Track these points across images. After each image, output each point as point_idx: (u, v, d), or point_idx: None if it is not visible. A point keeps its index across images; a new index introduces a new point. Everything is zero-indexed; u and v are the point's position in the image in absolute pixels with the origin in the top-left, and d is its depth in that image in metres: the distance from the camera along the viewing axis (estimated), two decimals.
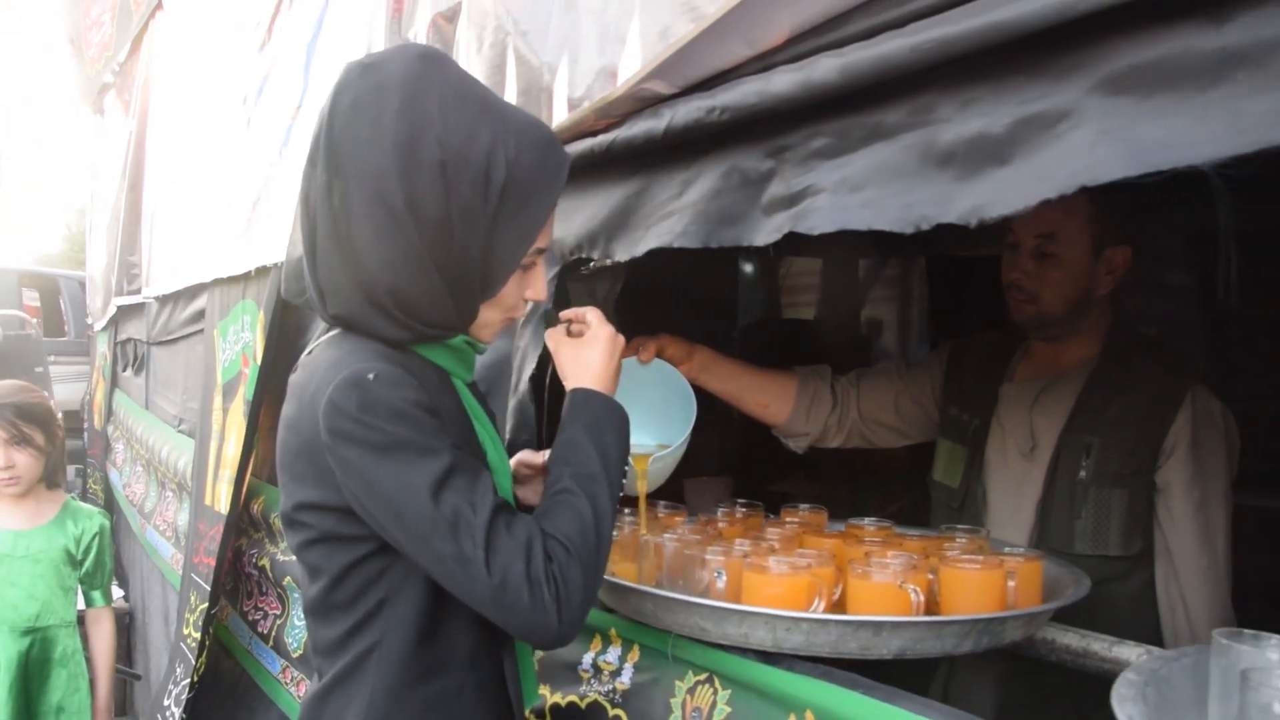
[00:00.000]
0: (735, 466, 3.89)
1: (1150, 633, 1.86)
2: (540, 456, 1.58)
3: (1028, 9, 0.98)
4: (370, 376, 1.23)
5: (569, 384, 1.49)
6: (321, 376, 1.27)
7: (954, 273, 4.47)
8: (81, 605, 3.14)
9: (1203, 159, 0.87)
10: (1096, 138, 0.95)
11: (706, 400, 1.90)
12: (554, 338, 1.54)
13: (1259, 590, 1.98)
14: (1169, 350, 2.11)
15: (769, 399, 2.15)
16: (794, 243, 1.24)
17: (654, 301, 4.12)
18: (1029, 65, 1.02)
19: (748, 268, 5.27)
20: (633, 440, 1.51)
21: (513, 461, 1.58)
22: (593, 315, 1.54)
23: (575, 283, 5.87)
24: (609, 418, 1.44)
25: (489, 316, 1.38)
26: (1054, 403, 1.97)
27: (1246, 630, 1.22)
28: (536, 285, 1.40)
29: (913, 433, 2.25)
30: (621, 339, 1.53)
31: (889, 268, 5.26)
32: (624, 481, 1.43)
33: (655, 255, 1.43)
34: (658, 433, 1.81)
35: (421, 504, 1.21)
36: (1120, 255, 1.90)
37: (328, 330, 1.40)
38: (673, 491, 1.99)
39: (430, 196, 1.23)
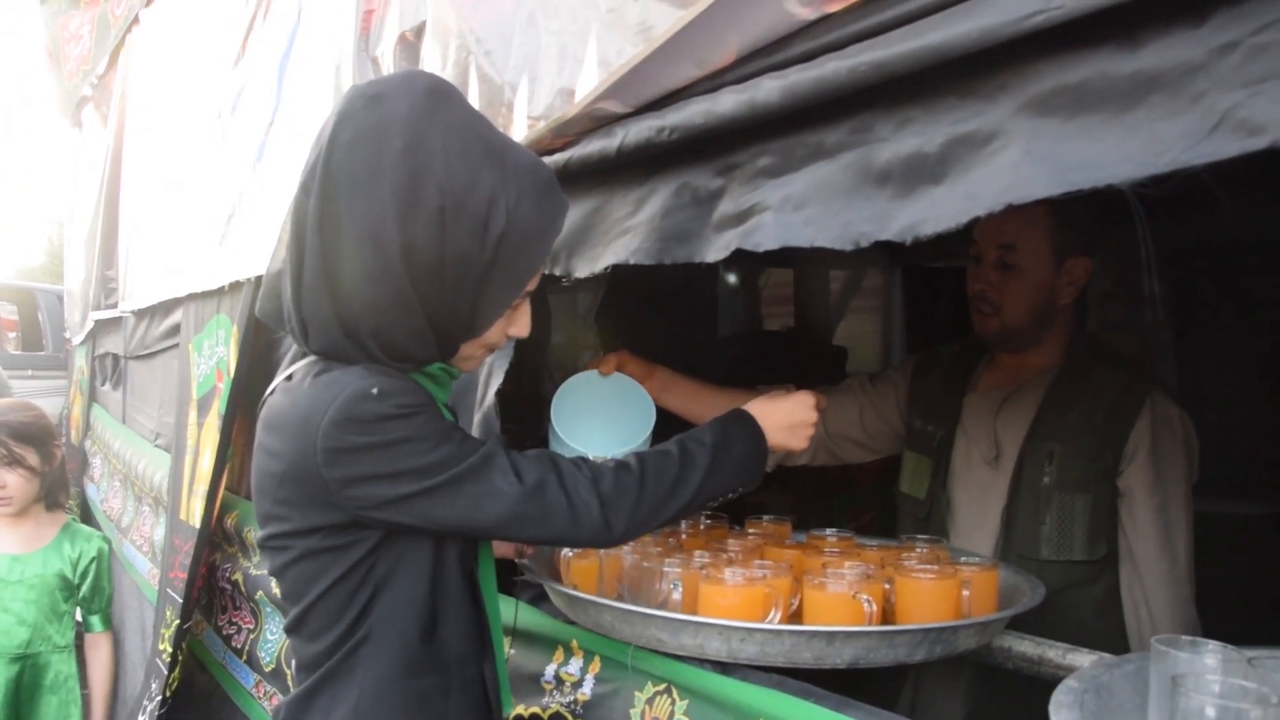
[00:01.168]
0: None
1: (1117, 636, 1.89)
2: None
3: (958, 32, 1.01)
4: (374, 391, 1.24)
5: (749, 408, 1.57)
6: (313, 400, 1.27)
7: (931, 283, 4.52)
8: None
9: (1122, 179, 0.90)
10: (1022, 157, 0.97)
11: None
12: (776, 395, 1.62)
13: (1224, 594, 2.00)
14: (1129, 357, 2.14)
15: None
16: (772, 255, 1.26)
17: (635, 313, 4.14)
18: (960, 86, 1.05)
19: (729, 278, 5.30)
20: (595, 451, 1.53)
21: None
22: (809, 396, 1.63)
23: (556, 294, 5.89)
24: (749, 437, 1.52)
25: (470, 351, 1.39)
26: (1017, 411, 2.00)
27: (1184, 637, 1.25)
28: (521, 323, 1.40)
29: (879, 447, 2.27)
30: (815, 413, 1.61)
31: (868, 279, 5.30)
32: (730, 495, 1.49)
33: (635, 266, 1.46)
34: (618, 443, 1.83)
35: (443, 470, 1.27)
36: (1081, 266, 1.94)
37: (301, 352, 1.41)
38: None
39: (426, 243, 1.22)
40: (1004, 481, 1.98)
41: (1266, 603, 2.59)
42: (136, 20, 4.74)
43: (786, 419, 1.57)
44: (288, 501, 1.31)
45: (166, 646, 3.23)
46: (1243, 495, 3.26)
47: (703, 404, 2.05)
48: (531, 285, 1.36)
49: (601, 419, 1.86)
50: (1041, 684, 1.58)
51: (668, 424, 1.86)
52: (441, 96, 1.27)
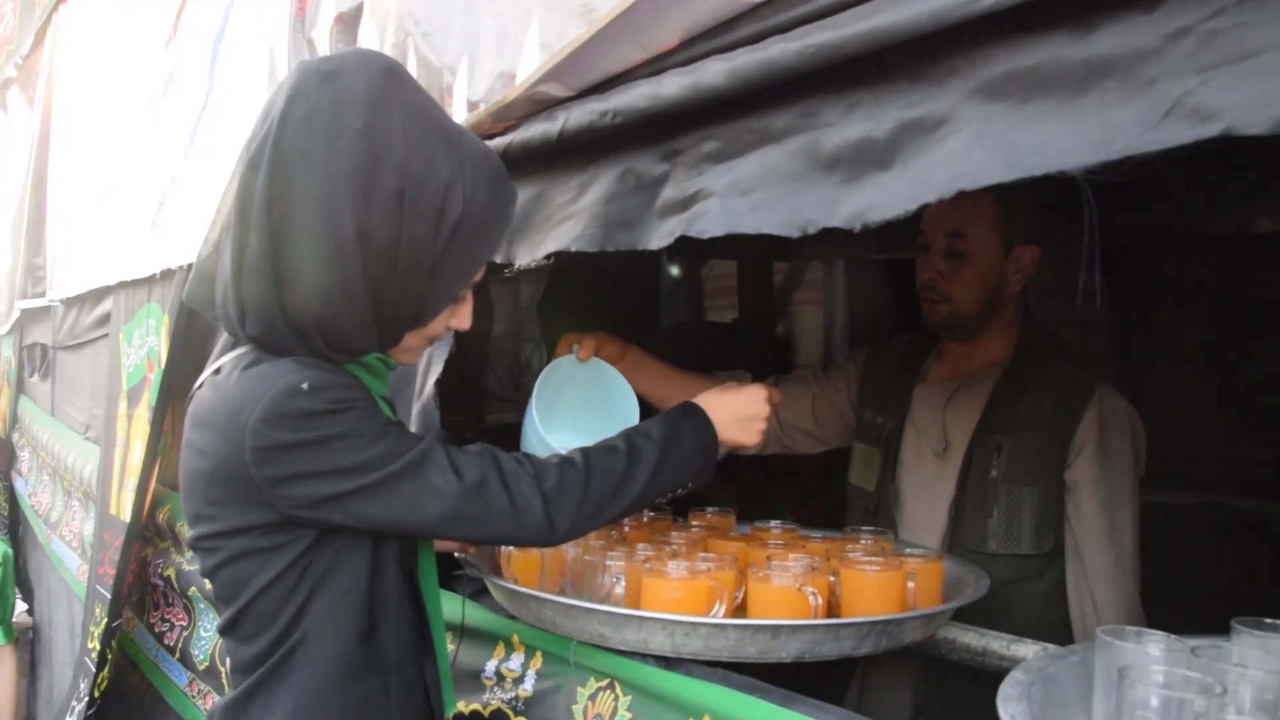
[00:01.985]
0: None
1: (1062, 629, 1.89)
2: None
3: (907, 14, 0.99)
4: (305, 386, 1.20)
5: (702, 401, 1.54)
6: (242, 396, 1.22)
7: (874, 276, 4.53)
8: None
9: (1074, 165, 0.88)
10: (974, 143, 0.95)
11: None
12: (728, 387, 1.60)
13: (1161, 584, 2.02)
14: (1078, 350, 2.15)
15: None
16: (717, 244, 1.24)
17: (577, 303, 4.10)
18: (910, 70, 1.03)
19: (673, 269, 5.28)
20: (565, 440, 1.50)
21: None
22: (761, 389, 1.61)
23: (499, 285, 5.85)
24: (698, 430, 1.49)
25: (412, 342, 1.35)
26: (966, 403, 1.99)
27: (1129, 627, 1.25)
28: (463, 315, 1.37)
29: (829, 438, 2.25)
30: (767, 407, 1.59)
31: (810, 271, 5.31)
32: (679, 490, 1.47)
33: (578, 256, 1.42)
34: (591, 432, 1.76)
35: (378, 467, 1.23)
36: (1029, 253, 1.93)
37: (232, 343, 1.35)
38: None
39: (382, 227, 1.18)
40: (952, 474, 1.98)
41: (1203, 592, 2.63)
42: None
43: (738, 413, 1.55)
44: (217, 501, 1.27)
45: (95, 645, 3.15)
46: (1179, 485, 3.31)
47: (668, 388, 2.02)
48: (478, 275, 1.33)
49: (575, 409, 1.80)
50: (988, 676, 1.58)
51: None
52: (397, 78, 1.23)
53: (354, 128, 1.16)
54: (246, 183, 1.21)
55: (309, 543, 1.28)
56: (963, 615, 1.69)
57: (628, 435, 1.43)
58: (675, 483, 1.45)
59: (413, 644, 1.39)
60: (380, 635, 1.34)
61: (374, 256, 1.19)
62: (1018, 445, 1.91)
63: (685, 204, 1.25)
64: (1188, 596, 2.02)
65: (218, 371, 1.32)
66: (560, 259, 1.46)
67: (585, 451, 1.39)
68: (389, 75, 1.22)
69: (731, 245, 3.63)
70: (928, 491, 2.02)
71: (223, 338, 1.38)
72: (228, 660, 1.39)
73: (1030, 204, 1.91)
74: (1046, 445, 1.90)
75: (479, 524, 1.30)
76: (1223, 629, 1.27)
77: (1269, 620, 1.24)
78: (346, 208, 1.16)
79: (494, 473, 1.30)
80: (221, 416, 1.24)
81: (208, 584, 1.39)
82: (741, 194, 1.17)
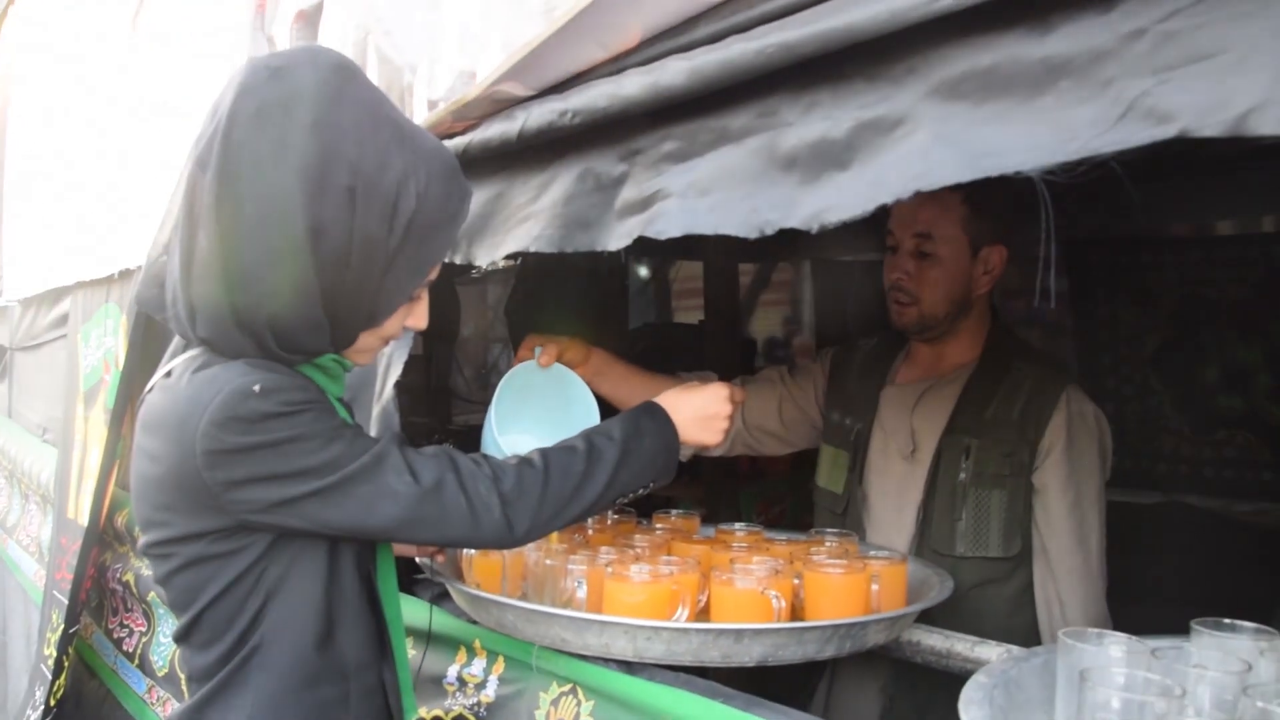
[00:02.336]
0: None
1: (1029, 632, 1.88)
2: None
3: (866, 14, 0.98)
4: (256, 388, 1.17)
5: (663, 400, 1.52)
6: (192, 399, 1.19)
7: (840, 277, 4.54)
8: None
9: (1032, 165, 0.88)
10: (932, 143, 0.95)
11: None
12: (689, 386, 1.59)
13: (1127, 584, 2.03)
14: (1046, 353, 2.15)
15: None
16: (682, 245, 1.22)
17: (544, 304, 4.09)
18: (869, 70, 1.03)
19: (640, 270, 5.27)
20: (524, 446, 1.47)
21: None
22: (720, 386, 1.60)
23: (465, 286, 5.82)
24: (659, 429, 1.47)
25: (366, 343, 1.32)
26: (934, 405, 1.99)
27: (1091, 629, 1.25)
28: (419, 314, 1.35)
29: (796, 440, 2.24)
30: (729, 417, 1.58)
31: (777, 272, 5.32)
32: (640, 490, 1.45)
33: (545, 257, 1.40)
34: (550, 439, 1.73)
35: (333, 470, 1.20)
36: (997, 255, 1.93)
37: (184, 345, 1.32)
38: None
39: (334, 224, 1.16)
40: (920, 476, 1.97)
41: (1164, 591, 2.66)
42: None
43: (699, 412, 1.54)
44: (169, 506, 1.24)
45: (52, 651, 3.09)
46: (1140, 485, 3.35)
47: (634, 390, 2.00)
48: (434, 274, 1.31)
49: (536, 414, 1.78)
50: (957, 677, 1.58)
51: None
52: (349, 74, 1.21)
53: (304, 124, 1.14)
54: (194, 181, 1.19)
55: (263, 548, 1.25)
56: (930, 618, 1.69)
57: (587, 435, 1.42)
58: (637, 483, 1.43)
59: (372, 650, 1.37)
60: (338, 641, 1.32)
61: (326, 255, 1.17)
62: (985, 448, 1.91)
63: (644, 204, 1.24)
64: (1149, 596, 2.03)
65: (169, 375, 1.29)
66: (527, 260, 1.45)
67: (544, 452, 1.38)
68: (339, 71, 1.19)
69: (697, 246, 3.63)
70: (895, 494, 2.01)
71: (175, 340, 1.35)
72: (185, 669, 1.36)
73: (998, 204, 1.91)
74: (1015, 448, 1.89)
75: (436, 526, 1.28)
76: (1184, 628, 1.27)
77: (1227, 621, 1.24)
78: (297, 206, 1.14)
79: (451, 474, 1.28)
80: (171, 420, 1.21)
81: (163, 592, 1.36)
82: (700, 194, 1.16)
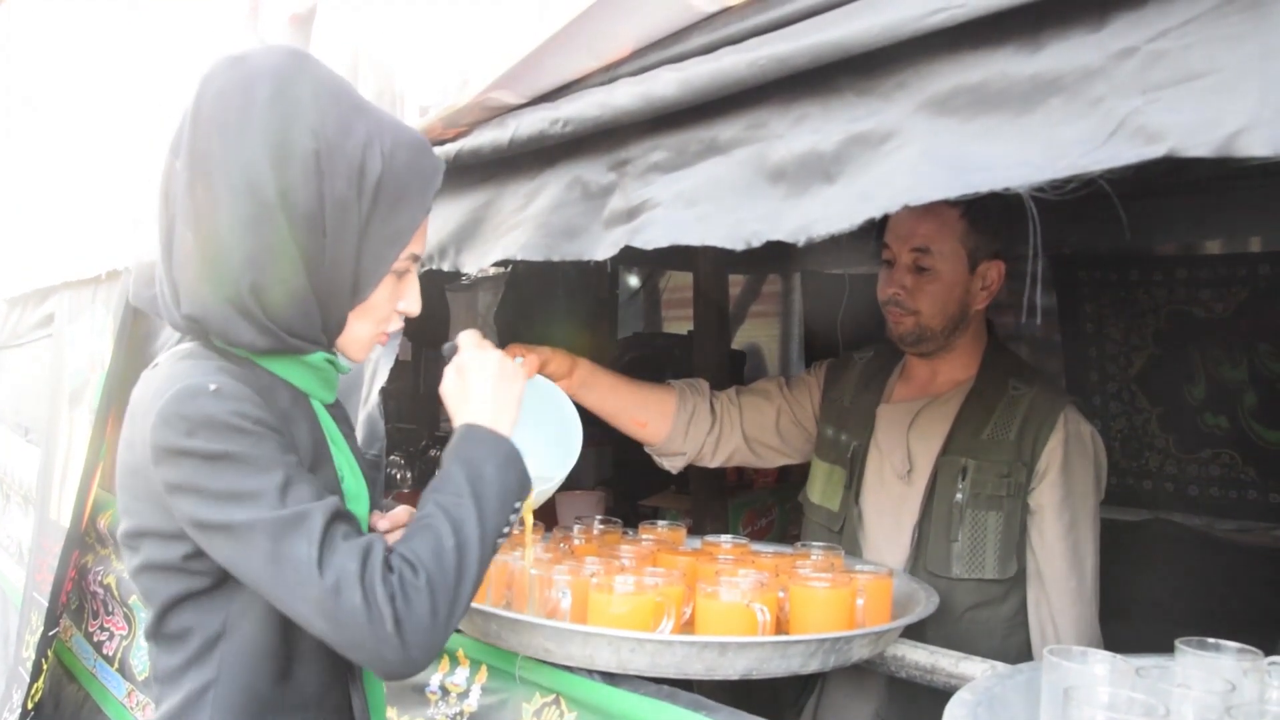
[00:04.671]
0: (610, 480, 3.87)
1: (1023, 653, 1.86)
2: (384, 521, 1.45)
3: (858, 28, 0.98)
4: (211, 388, 1.15)
5: (454, 419, 1.35)
6: (158, 389, 1.18)
7: (830, 289, 4.55)
8: None
9: (1020, 182, 0.88)
10: (920, 158, 0.95)
11: (584, 415, 1.80)
12: (447, 374, 1.41)
13: (1113, 601, 2.03)
14: (1041, 372, 2.13)
15: (647, 416, 2.06)
16: (670, 255, 1.22)
17: (533, 312, 4.09)
18: (859, 84, 1.02)
19: (631, 279, 5.27)
20: None
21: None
22: (466, 338, 1.43)
23: (456, 293, 5.81)
24: (489, 450, 1.29)
25: (359, 330, 1.30)
26: (931, 425, 1.96)
27: (1076, 647, 1.25)
28: (410, 296, 1.32)
29: (792, 453, 2.21)
30: (507, 360, 1.42)
31: (768, 284, 5.32)
32: (511, 518, 1.28)
33: (535, 265, 1.39)
34: (537, 454, 1.63)
35: (251, 508, 1.11)
36: (995, 270, 1.91)
37: (178, 340, 1.32)
38: (545, 505, 1.90)
39: (303, 187, 1.16)
40: (916, 497, 1.94)
41: (1150, 608, 2.66)
42: None
43: (490, 394, 1.37)
44: (135, 495, 1.23)
45: (30, 654, 3.07)
46: (1127, 503, 3.35)
47: (621, 401, 1.98)
48: (416, 247, 1.28)
49: (520, 429, 1.70)
50: (947, 694, 1.58)
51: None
52: (306, 58, 1.24)
53: (263, 96, 1.17)
54: (168, 168, 1.22)
55: (218, 573, 1.21)
56: (920, 635, 1.68)
57: (436, 504, 1.24)
58: (505, 513, 1.27)
59: (337, 673, 1.33)
60: (297, 677, 1.28)
61: (299, 219, 1.17)
62: (983, 469, 1.88)
63: (631, 214, 1.24)
64: (1133, 612, 2.03)
65: (155, 366, 1.29)
66: (517, 267, 1.44)
67: (405, 554, 1.17)
68: (296, 54, 1.24)
69: (688, 256, 3.64)
70: (891, 513, 1.98)
71: (163, 336, 1.34)
72: (151, 666, 1.34)
73: (996, 219, 1.89)
74: (1011, 469, 1.87)
75: (330, 619, 1.12)
76: (1168, 644, 1.27)
77: (1211, 640, 1.24)
78: (265, 171, 1.15)
79: (355, 565, 1.12)
80: (140, 408, 1.21)
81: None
82: (687, 205, 1.16)
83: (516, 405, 1.38)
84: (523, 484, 1.31)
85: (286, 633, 1.26)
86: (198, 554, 1.20)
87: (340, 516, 1.17)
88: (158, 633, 1.28)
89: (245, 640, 1.25)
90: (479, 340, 1.44)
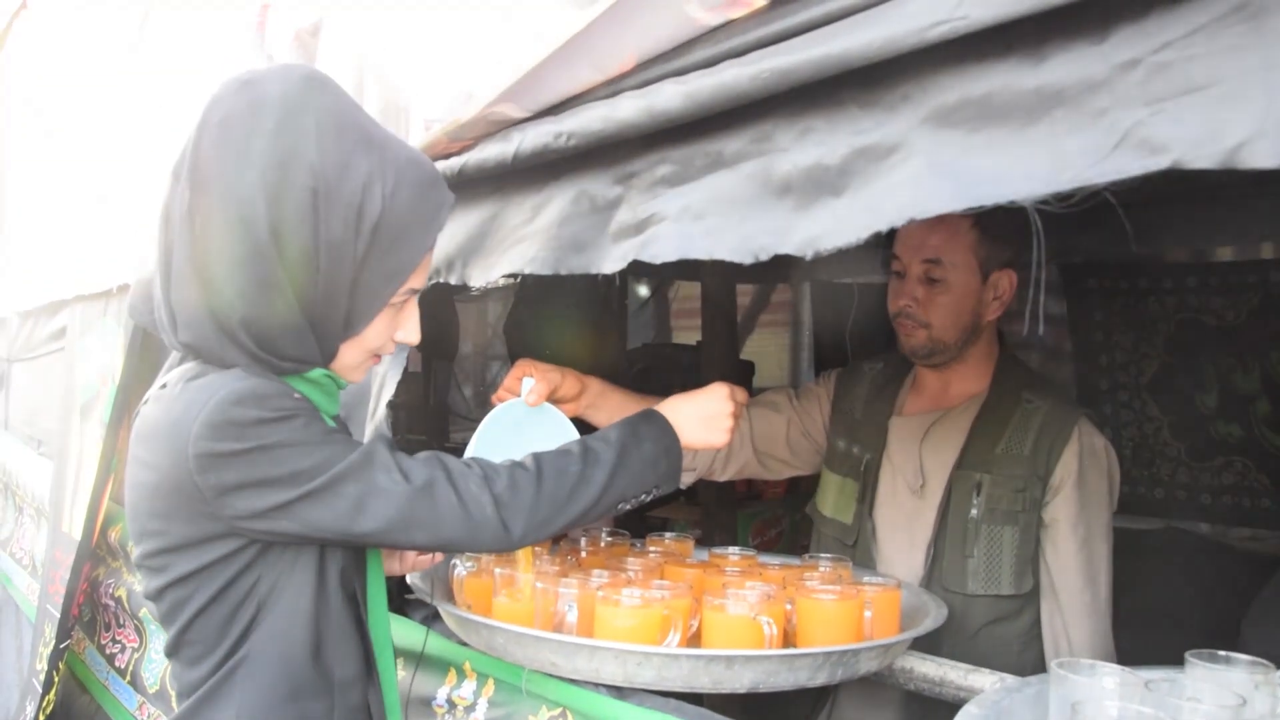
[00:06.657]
0: None
1: (1036, 668, 1.83)
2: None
3: (861, 40, 0.98)
4: (248, 394, 1.18)
5: (662, 406, 1.53)
6: (186, 405, 1.19)
7: (839, 298, 4.54)
8: None
9: (1025, 195, 0.88)
10: (924, 171, 0.94)
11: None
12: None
13: (1124, 610, 2.01)
14: (1054, 383, 2.10)
15: None
16: (678, 266, 1.22)
17: (543, 323, 4.08)
18: (863, 96, 1.02)
19: (640, 290, 5.27)
20: None
21: None
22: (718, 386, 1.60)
23: (465, 303, 5.82)
24: (659, 433, 1.47)
25: (352, 357, 1.32)
26: (944, 439, 1.94)
27: (1084, 660, 1.24)
28: (409, 326, 1.34)
29: (801, 465, 2.19)
30: (730, 403, 1.58)
31: (776, 293, 5.31)
32: (643, 497, 1.44)
33: (544, 276, 1.40)
34: None
35: (320, 474, 1.20)
36: (1007, 280, 1.89)
37: (180, 359, 1.33)
38: None
39: (297, 227, 1.17)
40: (930, 512, 1.92)
41: (1161, 617, 2.64)
42: (25, 4, 4.54)
43: (700, 412, 1.54)
44: (163, 515, 1.24)
45: (43, 666, 3.08)
46: (1135, 511, 3.33)
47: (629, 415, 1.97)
48: (416, 282, 1.30)
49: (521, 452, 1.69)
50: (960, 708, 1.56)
51: None
52: (318, 84, 1.23)
53: (265, 130, 1.16)
54: (170, 192, 1.22)
55: (254, 556, 1.25)
56: (936, 648, 1.66)
57: (583, 440, 1.42)
58: (637, 487, 1.43)
59: (358, 669, 1.36)
60: (325, 656, 1.31)
61: (292, 257, 1.18)
62: (997, 484, 1.86)
63: (639, 228, 1.24)
64: (1145, 621, 2.01)
65: (164, 387, 1.29)
66: (526, 278, 1.44)
67: (537, 455, 1.37)
68: (307, 81, 1.22)
69: (694, 267, 3.63)
70: (905, 528, 1.96)
71: (171, 355, 1.35)
72: (175, 684, 1.35)
73: (1008, 229, 1.86)
74: (1027, 483, 1.85)
75: (429, 527, 1.27)
76: (1179, 655, 1.26)
77: (1222, 653, 1.23)
78: (261, 209, 1.16)
79: (440, 473, 1.28)
80: (164, 428, 1.22)
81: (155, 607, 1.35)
82: (694, 218, 1.16)
83: (707, 435, 1.56)
84: (668, 475, 1.47)
85: (316, 615, 1.29)
86: (234, 552, 1.24)
87: (394, 446, 1.30)
88: (186, 642, 1.29)
89: (281, 617, 1.28)
90: (731, 391, 1.59)
